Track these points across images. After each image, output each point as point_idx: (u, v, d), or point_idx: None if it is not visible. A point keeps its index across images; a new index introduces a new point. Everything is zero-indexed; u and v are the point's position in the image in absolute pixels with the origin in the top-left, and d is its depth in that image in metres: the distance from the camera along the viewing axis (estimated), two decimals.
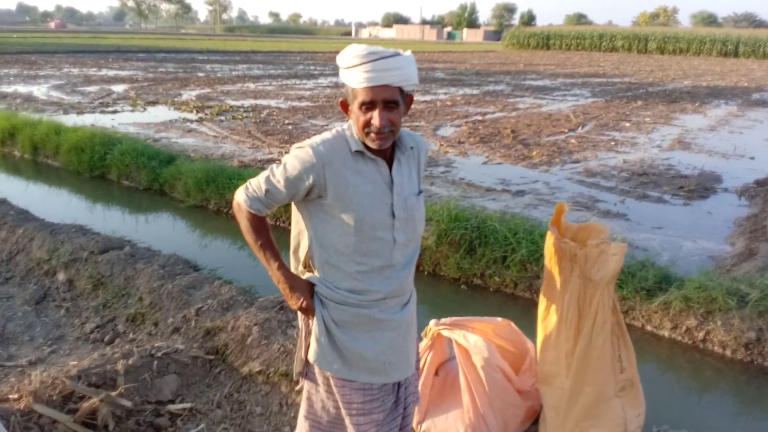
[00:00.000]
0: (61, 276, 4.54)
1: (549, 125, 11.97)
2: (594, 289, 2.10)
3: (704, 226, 5.94)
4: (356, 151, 1.75)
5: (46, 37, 52.21)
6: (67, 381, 2.88)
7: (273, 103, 14.55)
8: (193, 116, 12.02)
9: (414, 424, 2.70)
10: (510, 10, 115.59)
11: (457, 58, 39.41)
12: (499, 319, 2.72)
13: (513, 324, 2.72)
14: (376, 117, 1.67)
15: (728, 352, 3.68)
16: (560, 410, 2.28)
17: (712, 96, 18.94)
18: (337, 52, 1.79)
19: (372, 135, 1.70)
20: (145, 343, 3.60)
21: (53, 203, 6.90)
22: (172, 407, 3.11)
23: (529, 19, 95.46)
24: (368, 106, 1.67)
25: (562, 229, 2.27)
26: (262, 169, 7.43)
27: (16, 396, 2.76)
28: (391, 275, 1.84)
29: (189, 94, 15.76)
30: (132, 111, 12.66)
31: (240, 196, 1.82)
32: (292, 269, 1.96)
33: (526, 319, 3.17)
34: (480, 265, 4.60)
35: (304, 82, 20.57)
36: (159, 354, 3.31)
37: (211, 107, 13.21)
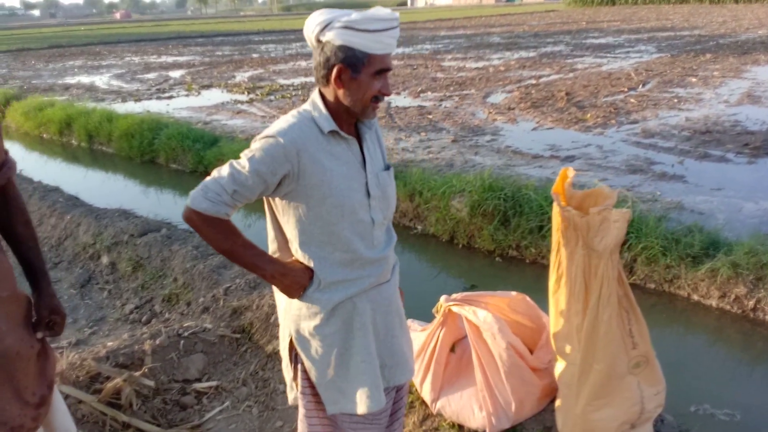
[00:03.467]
0: (104, 259, 4.70)
1: (608, 85, 11.40)
2: (598, 259, 1.94)
3: None
4: (330, 132, 1.62)
5: (111, 28, 54.21)
6: (93, 362, 2.96)
7: None
8: (243, 97, 12.18)
9: (429, 402, 2.63)
10: None
11: (515, 21, 38.19)
12: (514, 293, 2.59)
13: (528, 298, 2.58)
14: (387, 84, 1.60)
15: None
16: (572, 387, 2.14)
17: None
18: None
19: (374, 105, 1.62)
20: (177, 323, 3.68)
21: (103, 189, 7.17)
22: (198, 385, 3.17)
23: None
24: (382, 73, 1.59)
25: (566, 197, 2.10)
26: None
27: None
28: (374, 258, 1.73)
29: (242, 76, 15.97)
30: (187, 96, 12.96)
31: (199, 204, 1.54)
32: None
33: None
34: (515, 236, 4.42)
35: None
36: (186, 333, 3.37)
37: (261, 87, 13.34)
